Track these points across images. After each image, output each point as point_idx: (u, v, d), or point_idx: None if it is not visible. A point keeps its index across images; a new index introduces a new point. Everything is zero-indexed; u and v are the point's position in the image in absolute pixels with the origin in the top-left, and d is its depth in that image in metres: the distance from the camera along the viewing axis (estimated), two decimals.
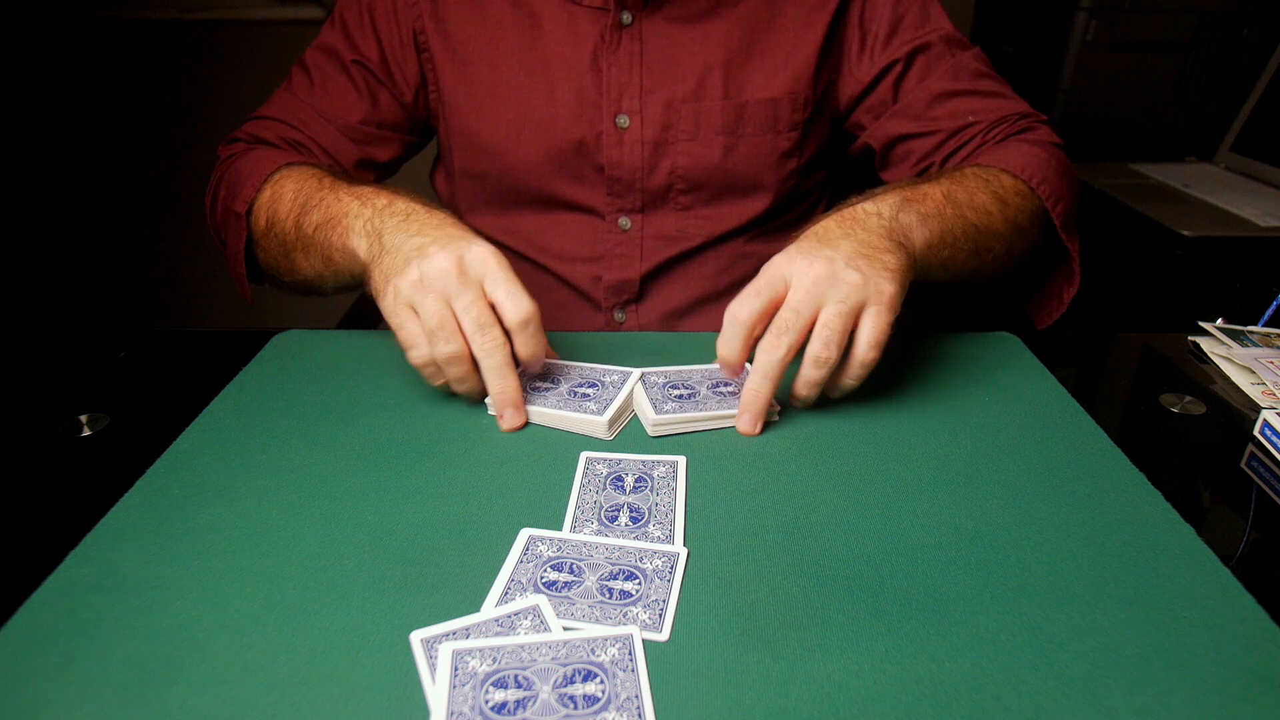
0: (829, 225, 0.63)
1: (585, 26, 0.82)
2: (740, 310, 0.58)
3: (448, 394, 0.62)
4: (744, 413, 0.59)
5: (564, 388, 0.62)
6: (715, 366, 0.64)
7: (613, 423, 0.59)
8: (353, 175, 0.82)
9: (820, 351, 0.56)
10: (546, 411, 0.60)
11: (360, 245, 0.64)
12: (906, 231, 0.64)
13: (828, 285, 0.57)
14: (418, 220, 0.63)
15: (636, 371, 0.64)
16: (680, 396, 0.61)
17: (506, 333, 0.58)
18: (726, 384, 0.63)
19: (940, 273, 0.69)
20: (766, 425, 0.60)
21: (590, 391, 0.62)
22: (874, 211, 0.64)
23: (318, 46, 0.87)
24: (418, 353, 0.58)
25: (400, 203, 0.65)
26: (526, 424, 0.60)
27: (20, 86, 1.98)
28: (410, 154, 0.92)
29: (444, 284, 0.57)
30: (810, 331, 0.57)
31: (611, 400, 0.60)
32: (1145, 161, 1.59)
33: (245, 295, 0.81)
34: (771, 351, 0.56)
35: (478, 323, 0.57)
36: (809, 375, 0.58)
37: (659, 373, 0.64)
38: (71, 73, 1.98)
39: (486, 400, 0.60)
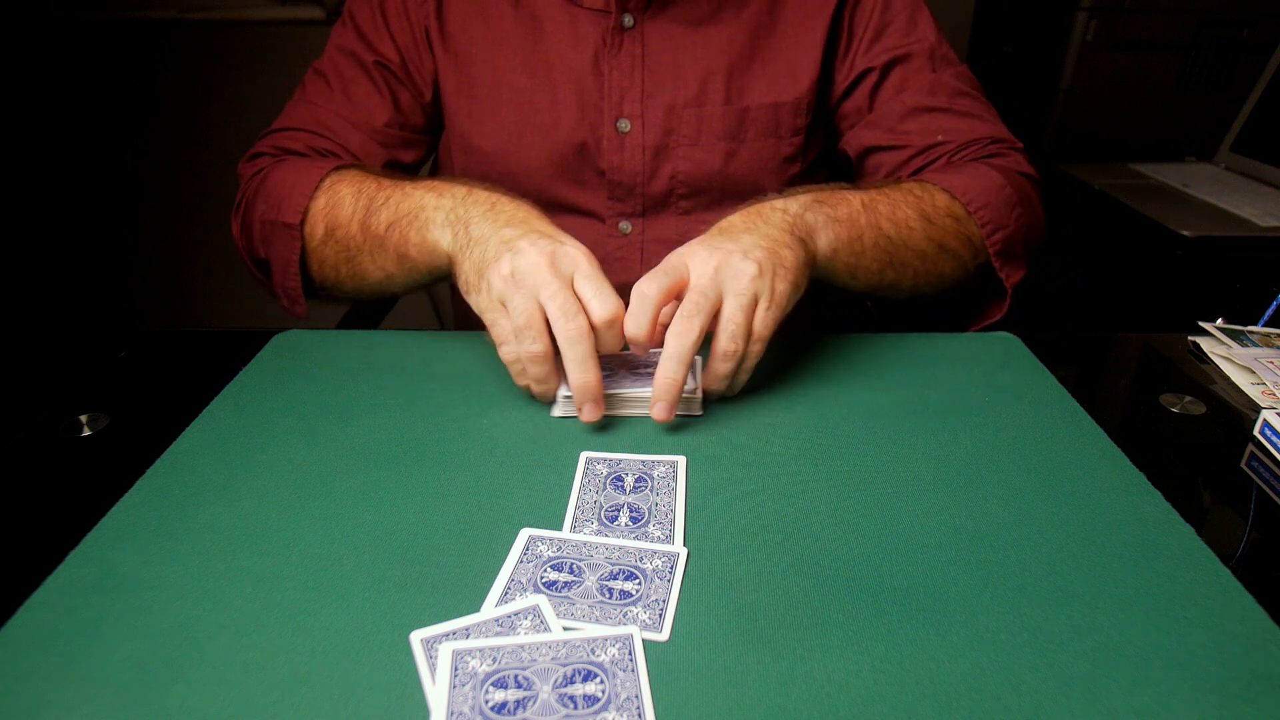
0: (734, 220, 0.64)
1: (587, 29, 0.82)
2: (648, 287, 0.58)
3: (528, 395, 0.62)
4: (657, 401, 0.58)
5: (629, 370, 0.63)
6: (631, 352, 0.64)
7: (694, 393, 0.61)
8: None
9: (727, 345, 0.58)
10: (634, 393, 0.61)
11: (444, 236, 0.64)
12: (810, 230, 0.65)
13: (727, 275, 0.58)
14: (505, 210, 0.63)
15: None
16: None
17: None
18: (645, 366, 0.64)
19: (848, 278, 0.70)
20: (692, 419, 0.61)
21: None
22: (781, 207, 0.65)
23: (334, 50, 0.85)
24: (507, 349, 0.59)
25: (480, 192, 0.65)
26: (604, 415, 0.60)
27: (20, 86, 1.98)
28: (431, 154, 0.91)
29: (535, 278, 0.57)
30: (715, 318, 0.59)
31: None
32: (1145, 161, 1.59)
33: (298, 311, 0.77)
34: (683, 336, 0.57)
35: (563, 310, 0.56)
36: (718, 369, 0.59)
37: None
38: (71, 73, 1.98)
39: (556, 402, 0.61)
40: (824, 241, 0.66)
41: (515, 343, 0.58)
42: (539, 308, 0.57)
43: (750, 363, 0.60)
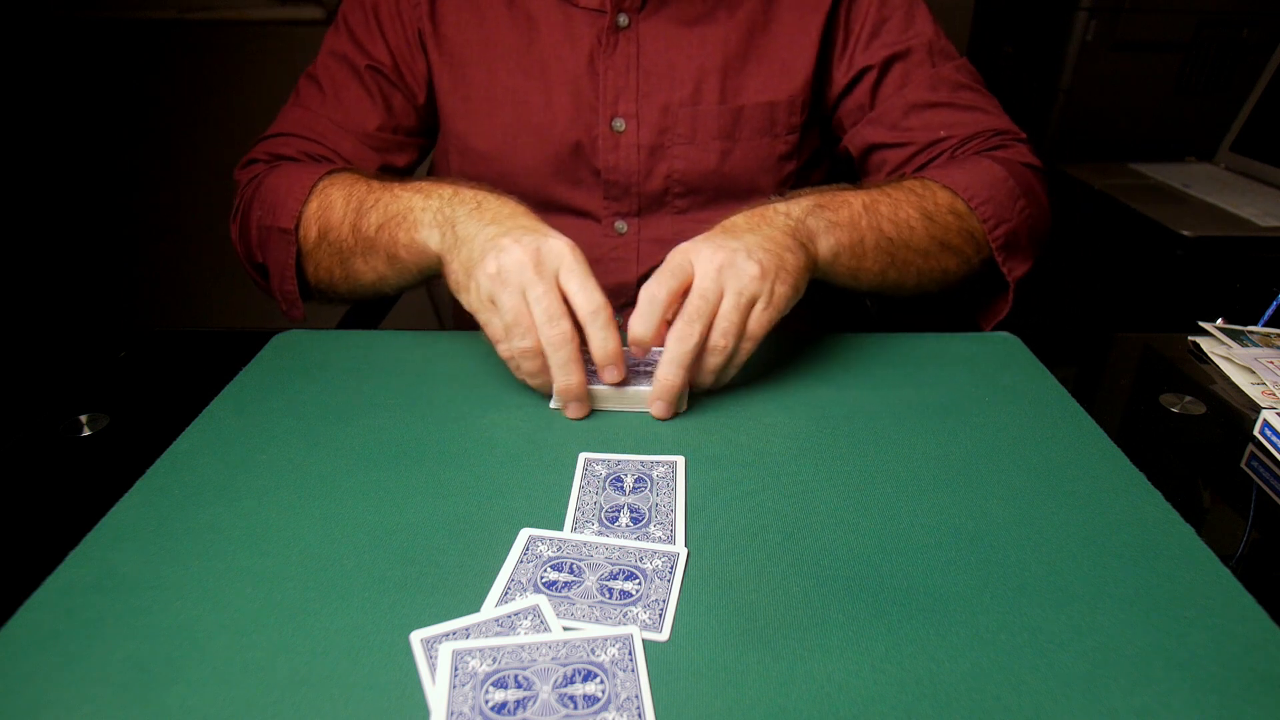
0: (737, 220, 0.65)
1: (582, 29, 0.82)
2: (658, 289, 0.59)
3: (527, 387, 0.63)
4: (657, 400, 0.60)
5: (628, 368, 0.63)
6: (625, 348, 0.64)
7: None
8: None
9: (718, 340, 0.59)
10: (633, 390, 0.61)
11: (432, 237, 0.64)
12: (812, 235, 0.66)
13: (729, 274, 0.59)
14: (490, 208, 0.63)
15: None
16: (591, 371, 0.62)
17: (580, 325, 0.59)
18: (645, 365, 0.64)
19: (850, 280, 0.70)
20: (691, 419, 0.61)
21: (651, 369, 0.63)
22: (784, 211, 0.66)
23: (326, 54, 0.85)
24: (503, 347, 0.60)
25: (466, 191, 0.66)
26: (591, 413, 0.61)
27: (20, 86, 1.98)
28: (424, 156, 0.91)
29: (520, 276, 0.57)
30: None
31: None
32: (1145, 161, 1.60)
33: (296, 314, 0.79)
34: (684, 340, 0.58)
35: (547, 314, 0.57)
36: (707, 362, 0.60)
37: None
38: (71, 73, 1.98)
39: (552, 397, 0.61)
40: (825, 246, 0.67)
41: (507, 340, 0.59)
42: (526, 304, 0.58)
43: (739, 359, 0.61)
